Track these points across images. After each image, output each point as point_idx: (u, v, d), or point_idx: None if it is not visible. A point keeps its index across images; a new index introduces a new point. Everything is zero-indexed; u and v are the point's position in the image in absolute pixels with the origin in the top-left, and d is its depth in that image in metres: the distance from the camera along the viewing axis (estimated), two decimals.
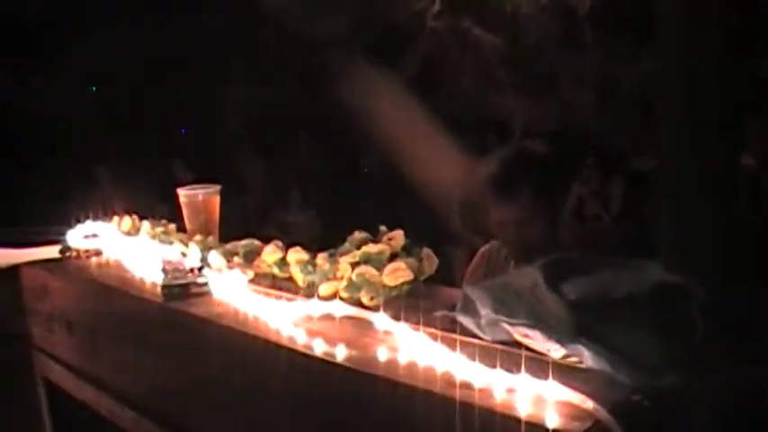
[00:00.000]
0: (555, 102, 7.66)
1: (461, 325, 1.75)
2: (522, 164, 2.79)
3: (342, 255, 2.03)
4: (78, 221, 2.98)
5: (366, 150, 7.58)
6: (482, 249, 3.11)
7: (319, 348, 1.75)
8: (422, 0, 8.01)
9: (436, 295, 2.04)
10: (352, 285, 1.96)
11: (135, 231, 2.89)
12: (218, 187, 2.71)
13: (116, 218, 2.99)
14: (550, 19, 7.57)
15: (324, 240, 2.45)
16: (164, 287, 2.15)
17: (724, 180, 4.71)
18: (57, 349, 2.82)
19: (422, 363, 1.63)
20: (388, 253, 1.99)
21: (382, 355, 1.69)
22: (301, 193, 7.05)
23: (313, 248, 2.17)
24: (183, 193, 2.68)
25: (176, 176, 6.68)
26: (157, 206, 3.67)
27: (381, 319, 1.77)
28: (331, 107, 7.32)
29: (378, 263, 1.97)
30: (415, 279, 2.00)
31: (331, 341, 1.76)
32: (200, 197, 2.65)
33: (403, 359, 1.66)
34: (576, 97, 7.54)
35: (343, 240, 2.10)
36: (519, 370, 1.43)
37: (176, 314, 2.10)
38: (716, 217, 4.47)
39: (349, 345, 1.73)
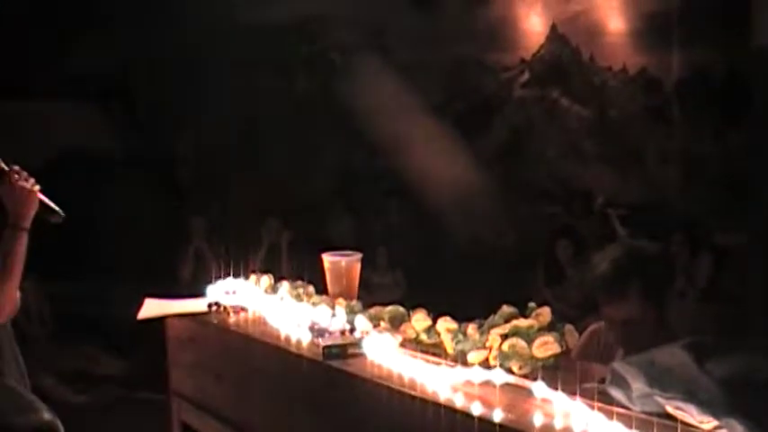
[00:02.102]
0: (639, 175, 7.76)
1: (611, 397, 1.93)
2: (631, 264, 2.86)
3: (491, 327, 2.21)
4: (218, 278, 3.21)
5: (450, 214, 7.78)
6: (591, 328, 3.24)
7: (477, 410, 1.94)
8: (511, 69, 8.23)
9: (576, 369, 2.21)
10: (502, 355, 2.14)
11: (272, 290, 3.11)
12: (359, 255, 2.91)
13: (253, 276, 3.22)
14: (638, 92, 7.72)
15: (409, 301, 2.68)
16: (325, 347, 2.35)
17: None
18: (198, 396, 3.04)
19: (577, 428, 1.81)
20: (536, 327, 2.17)
21: (538, 419, 1.87)
22: (388, 254, 7.23)
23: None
24: (327, 258, 2.90)
25: (272, 234, 6.95)
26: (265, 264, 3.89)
27: (539, 388, 1.95)
28: (420, 173, 7.55)
29: (526, 336, 2.15)
30: (560, 353, 2.17)
31: (489, 405, 1.94)
32: (343, 263, 2.87)
33: (558, 424, 1.84)
34: (661, 171, 7.64)
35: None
36: None
37: (335, 372, 2.30)
38: None
39: (507, 409, 1.92)
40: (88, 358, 6.88)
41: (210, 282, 3.22)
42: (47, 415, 1.73)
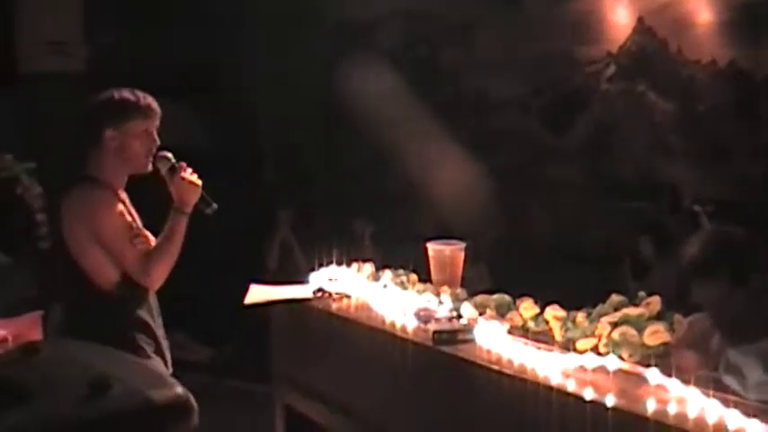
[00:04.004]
0: (727, 170, 7.64)
1: (725, 385, 1.96)
2: (720, 248, 2.89)
3: (601, 315, 2.25)
4: (321, 265, 3.31)
5: (534, 208, 7.77)
6: (689, 319, 3.25)
7: (590, 395, 1.99)
8: (596, 63, 8.17)
9: (685, 356, 2.24)
10: (612, 343, 2.18)
11: (374, 278, 3.19)
12: (463, 244, 2.98)
13: (355, 264, 3.31)
14: (726, 85, 7.59)
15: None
16: (435, 332, 2.42)
17: None
18: (303, 381, 3.14)
19: (692, 414, 1.85)
20: (646, 316, 2.20)
21: (652, 405, 1.91)
22: (474, 247, 7.25)
23: None
24: (431, 247, 2.97)
25: (360, 226, 7.06)
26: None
27: (654, 374, 1.98)
28: (504, 167, 7.55)
29: (636, 324, 2.18)
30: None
31: (602, 390, 1.99)
32: (448, 252, 2.93)
33: (672, 410, 1.88)
34: (748, 166, 7.50)
35: None
36: None
37: (445, 357, 2.37)
38: None
39: (620, 394, 1.96)
40: (177, 346, 7.07)
41: (298, 271, 3.34)
42: (180, 389, 1.83)
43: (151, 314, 2.85)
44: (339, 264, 3.31)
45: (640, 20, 8.08)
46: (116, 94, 2.80)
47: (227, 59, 7.86)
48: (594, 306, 2.38)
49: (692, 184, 7.86)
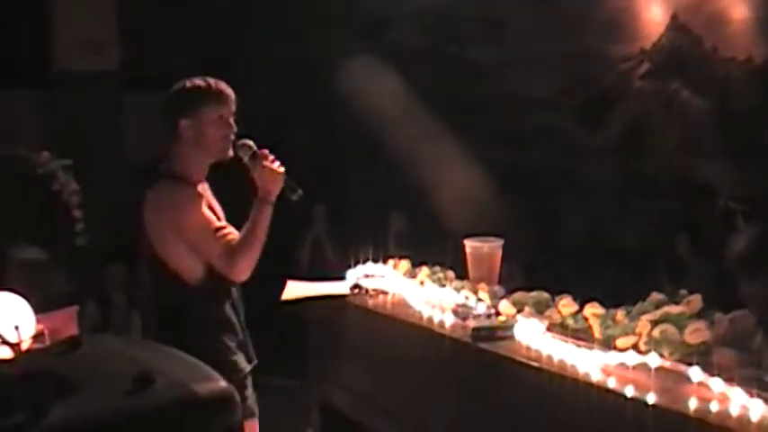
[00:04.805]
0: (763, 169, 7.55)
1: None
2: (766, 246, 2.87)
3: (641, 313, 2.25)
4: (358, 262, 3.32)
5: (566, 208, 7.73)
6: (730, 316, 3.23)
7: (630, 392, 1.99)
8: (629, 60, 8.11)
9: (727, 355, 2.23)
10: (652, 341, 2.18)
11: (411, 274, 3.20)
12: (500, 241, 2.98)
13: (392, 261, 3.32)
14: (762, 83, 7.51)
15: None
16: (474, 329, 2.43)
17: None
18: (340, 377, 3.16)
19: (734, 412, 1.84)
20: (687, 314, 2.19)
21: (693, 403, 1.90)
22: (506, 245, 7.23)
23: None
24: (469, 244, 2.97)
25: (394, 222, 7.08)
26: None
27: (696, 373, 1.98)
28: (534, 165, 7.52)
29: (677, 322, 2.17)
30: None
31: (642, 388, 1.99)
32: (485, 249, 2.94)
33: (714, 408, 1.87)
34: None
35: None
36: None
37: (484, 353, 2.38)
38: None
39: (661, 392, 1.96)
40: None
41: (330, 267, 3.34)
42: (224, 383, 1.85)
43: (235, 309, 2.80)
44: (375, 261, 3.33)
45: (674, 17, 8.01)
46: (187, 83, 2.74)
47: (261, 57, 7.91)
48: (634, 304, 2.38)
49: (727, 184, 7.78)
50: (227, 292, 2.76)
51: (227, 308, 2.76)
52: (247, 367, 2.77)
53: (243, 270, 2.65)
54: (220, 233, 2.66)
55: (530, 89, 7.64)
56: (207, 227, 2.66)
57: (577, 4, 7.76)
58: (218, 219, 2.75)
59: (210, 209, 2.74)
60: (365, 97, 7.83)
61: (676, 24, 7.86)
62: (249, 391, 2.78)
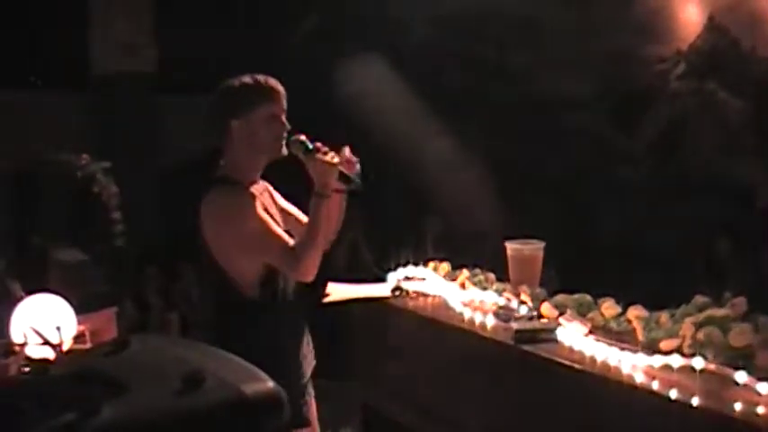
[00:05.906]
0: None
1: None
2: None
3: (685, 315, 2.25)
4: (399, 265, 3.35)
5: (601, 209, 7.69)
6: None
7: (675, 395, 1.99)
8: (666, 61, 8.06)
9: None
10: (696, 344, 2.18)
11: (451, 277, 3.22)
12: (542, 244, 2.99)
13: (432, 263, 3.34)
14: None
15: None
16: (517, 331, 2.44)
17: None
18: (382, 378, 3.18)
19: None
20: (731, 317, 2.19)
21: (739, 407, 1.90)
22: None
23: None
24: (510, 246, 2.99)
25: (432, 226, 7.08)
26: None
27: (742, 376, 1.98)
28: (570, 167, 7.49)
29: (721, 325, 2.17)
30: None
31: (687, 390, 1.99)
32: (526, 252, 2.95)
33: (761, 411, 1.87)
34: None
35: None
36: None
37: (527, 355, 2.39)
38: None
39: (705, 395, 1.96)
40: None
41: (366, 269, 3.36)
42: (272, 384, 1.87)
43: (295, 315, 2.70)
44: (416, 263, 3.35)
45: (711, 18, 7.95)
46: (236, 82, 2.60)
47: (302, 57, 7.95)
48: (677, 307, 2.38)
49: (765, 184, 7.71)
50: (285, 300, 2.65)
51: (286, 317, 2.67)
52: (308, 373, 2.71)
53: (307, 269, 2.54)
54: (278, 235, 2.55)
55: (565, 91, 7.62)
56: (264, 231, 2.56)
57: (612, 4, 7.72)
58: (276, 222, 2.64)
59: (266, 211, 2.63)
60: (398, 100, 7.86)
61: (713, 25, 7.81)
62: (308, 398, 2.72)
